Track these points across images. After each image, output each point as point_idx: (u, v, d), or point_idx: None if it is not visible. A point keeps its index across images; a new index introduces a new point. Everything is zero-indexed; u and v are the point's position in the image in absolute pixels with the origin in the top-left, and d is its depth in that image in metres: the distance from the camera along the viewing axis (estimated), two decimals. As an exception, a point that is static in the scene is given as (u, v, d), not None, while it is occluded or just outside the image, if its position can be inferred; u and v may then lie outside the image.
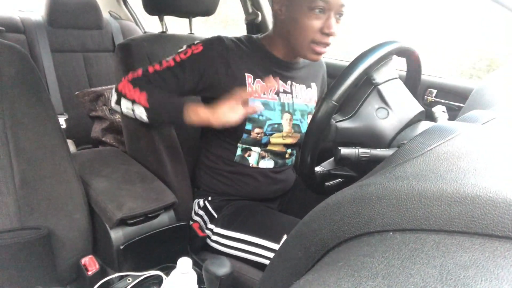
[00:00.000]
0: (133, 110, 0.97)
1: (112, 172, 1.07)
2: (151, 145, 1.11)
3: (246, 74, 0.99)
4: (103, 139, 1.58)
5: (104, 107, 1.59)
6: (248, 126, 1.00)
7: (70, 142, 1.64)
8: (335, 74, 0.75)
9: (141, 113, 0.96)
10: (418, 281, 0.23)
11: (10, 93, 0.81)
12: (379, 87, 0.76)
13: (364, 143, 0.74)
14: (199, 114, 0.92)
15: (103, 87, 1.64)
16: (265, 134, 1.02)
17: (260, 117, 1.00)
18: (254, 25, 1.73)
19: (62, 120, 1.71)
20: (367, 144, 0.74)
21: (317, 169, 0.79)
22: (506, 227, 0.25)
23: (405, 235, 0.28)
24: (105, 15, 2.17)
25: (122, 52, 1.13)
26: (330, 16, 0.89)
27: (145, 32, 2.38)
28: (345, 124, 0.74)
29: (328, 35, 0.91)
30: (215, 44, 0.97)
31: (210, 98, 1.00)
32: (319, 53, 0.94)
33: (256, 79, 1.00)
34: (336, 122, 0.74)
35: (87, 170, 1.06)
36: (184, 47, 0.99)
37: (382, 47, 0.74)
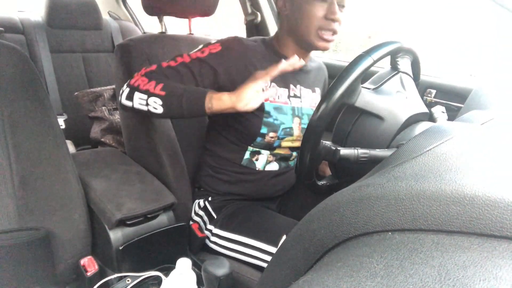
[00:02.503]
0: (147, 103, 0.89)
1: (111, 173, 1.07)
2: (150, 145, 1.11)
3: None
4: (102, 139, 1.58)
5: (103, 107, 1.59)
6: (264, 130, 1.00)
7: (69, 143, 1.64)
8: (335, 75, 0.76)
9: (155, 103, 0.88)
10: (416, 281, 0.23)
11: (9, 94, 0.81)
12: (401, 74, 0.81)
13: (379, 115, 0.75)
14: (222, 99, 0.85)
15: (103, 88, 1.64)
16: (278, 138, 1.03)
17: (275, 121, 1.00)
18: (253, 26, 1.73)
19: (61, 121, 1.70)
20: (380, 116, 0.75)
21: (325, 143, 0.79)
22: (504, 227, 0.25)
23: (404, 235, 0.28)
24: (105, 15, 2.17)
25: (122, 53, 1.13)
26: (333, 2, 0.91)
27: (144, 33, 2.37)
28: (367, 92, 0.76)
29: (333, 20, 0.92)
30: (235, 44, 0.96)
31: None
32: (328, 40, 0.95)
33: (272, 83, 1.00)
34: (361, 86, 0.75)
35: (86, 170, 1.06)
36: (200, 46, 0.97)
37: (396, 42, 0.78)
